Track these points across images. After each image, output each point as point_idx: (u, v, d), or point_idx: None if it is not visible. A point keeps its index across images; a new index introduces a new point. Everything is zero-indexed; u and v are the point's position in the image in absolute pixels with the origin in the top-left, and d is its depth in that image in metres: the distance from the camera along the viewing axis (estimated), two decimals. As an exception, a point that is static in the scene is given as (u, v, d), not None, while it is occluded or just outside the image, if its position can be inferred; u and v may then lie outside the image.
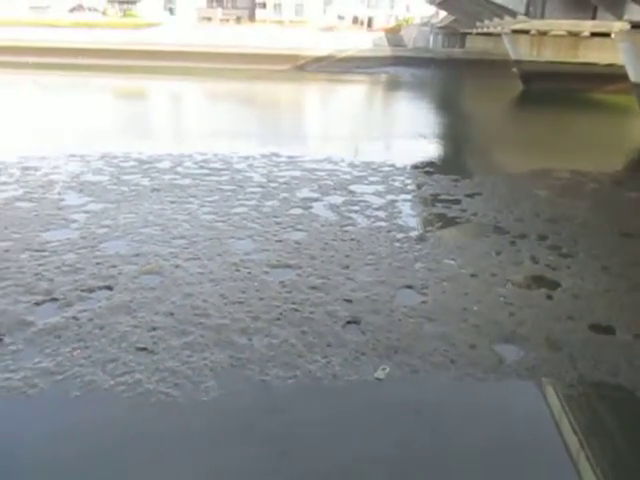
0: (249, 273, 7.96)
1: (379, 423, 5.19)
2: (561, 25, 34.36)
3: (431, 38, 59.59)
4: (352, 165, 14.89)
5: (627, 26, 27.17)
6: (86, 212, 10.38)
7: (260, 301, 7.15)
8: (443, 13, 55.92)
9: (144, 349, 6.03)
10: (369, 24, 73.88)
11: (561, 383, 5.79)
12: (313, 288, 7.55)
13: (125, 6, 71.23)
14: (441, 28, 58.50)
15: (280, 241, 9.23)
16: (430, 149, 18.91)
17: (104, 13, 67.71)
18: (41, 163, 13.96)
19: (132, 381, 5.52)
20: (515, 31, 37.99)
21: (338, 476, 4.64)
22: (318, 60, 54.22)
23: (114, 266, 8.02)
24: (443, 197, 12.20)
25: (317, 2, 74.24)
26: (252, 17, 73.54)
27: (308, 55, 54.05)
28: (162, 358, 5.90)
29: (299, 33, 56.58)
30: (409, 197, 12.24)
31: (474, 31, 50.92)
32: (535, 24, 34.26)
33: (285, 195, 11.88)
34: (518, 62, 40.36)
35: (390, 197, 12.00)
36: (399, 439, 4.98)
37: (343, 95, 39.66)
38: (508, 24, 37.21)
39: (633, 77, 26.50)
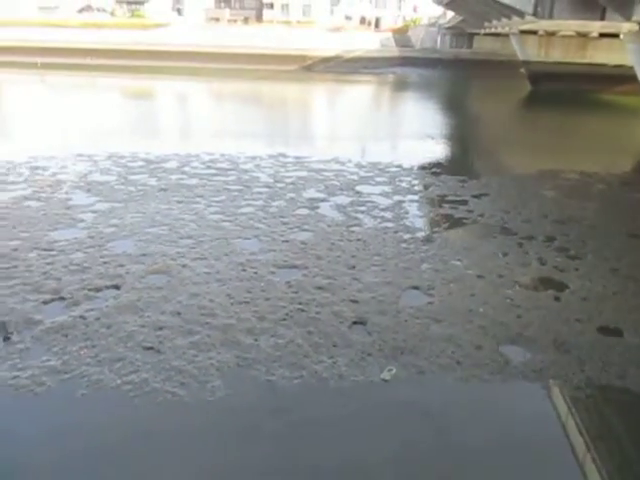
0: (255, 273, 7.98)
1: (385, 424, 5.18)
2: (569, 26, 34.17)
3: (439, 38, 59.56)
4: (359, 165, 14.88)
5: (636, 27, 27.06)
6: (94, 212, 10.44)
7: (266, 301, 7.16)
8: (451, 13, 55.80)
9: (151, 348, 6.06)
10: (376, 25, 73.77)
11: (568, 385, 5.76)
12: (319, 288, 7.55)
13: (133, 6, 71.51)
14: (449, 28, 58.42)
15: (286, 241, 9.24)
16: (437, 150, 18.84)
17: (112, 14, 68.04)
18: (49, 163, 14.07)
19: (138, 380, 5.54)
20: (523, 31, 37.80)
21: (344, 476, 4.64)
22: (325, 60, 54.20)
23: (121, 265, 8.06)
24: (450, 198, 12.16)
25: (324, 3, 74.19)
26: (259, 18, 73.65)
27: (315, 55, 54.02)
28: (168, 357, 5.92)
29: (306, 33, 56.56)
30: (416, 198, 12.22)
31: (482, 31, 50.77)
32: (543, 24, 34.09)
33: (292, 195, 11.90)
34: (526, 63, 40.21)
35: (397, 198, 11.99)
36: (405, 440, 4.98)
37: (350, 95, 39.62)
38: (516, 24, 37.04)
39: (642, 78, 26.40)
